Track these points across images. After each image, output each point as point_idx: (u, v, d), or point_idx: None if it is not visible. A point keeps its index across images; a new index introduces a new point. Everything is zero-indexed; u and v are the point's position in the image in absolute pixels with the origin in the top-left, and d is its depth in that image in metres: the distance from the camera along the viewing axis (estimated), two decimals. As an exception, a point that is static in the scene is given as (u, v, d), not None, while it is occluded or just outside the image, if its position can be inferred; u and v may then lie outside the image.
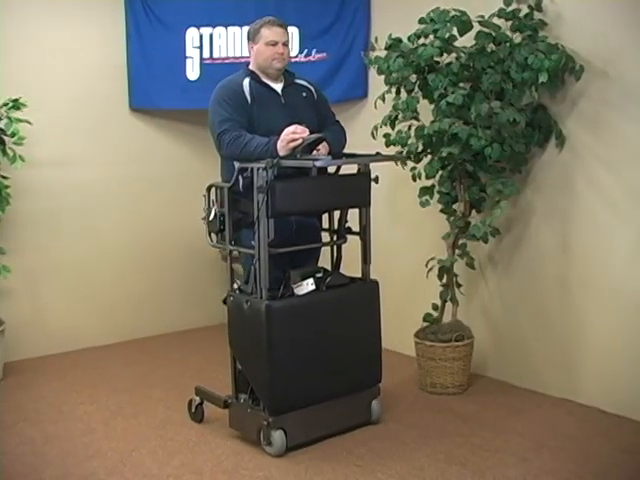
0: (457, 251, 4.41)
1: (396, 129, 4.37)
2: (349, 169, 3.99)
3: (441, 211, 4.47)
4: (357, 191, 3.86)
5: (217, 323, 5.99)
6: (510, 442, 3.76)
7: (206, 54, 5.36)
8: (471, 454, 3.64)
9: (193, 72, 5.39)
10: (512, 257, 4.53)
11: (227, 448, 3.77)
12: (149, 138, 5.63)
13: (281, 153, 3.58)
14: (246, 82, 3.83)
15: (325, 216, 4.07)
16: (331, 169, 3.96)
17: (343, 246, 4.03)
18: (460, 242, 4.40)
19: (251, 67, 3.92)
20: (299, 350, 3.63)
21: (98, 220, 5.47)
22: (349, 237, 4.01)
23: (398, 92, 4.35)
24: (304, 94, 3.96)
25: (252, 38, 3.91)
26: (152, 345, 5.51)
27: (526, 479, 3.40)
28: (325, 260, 4.03)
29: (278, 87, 3.90)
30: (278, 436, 3.61)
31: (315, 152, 3.69)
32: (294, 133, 3.58)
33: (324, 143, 3.74)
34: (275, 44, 3.83)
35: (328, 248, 4.04)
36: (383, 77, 4.31)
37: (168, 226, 5.76)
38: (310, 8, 5.26)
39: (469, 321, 4.52)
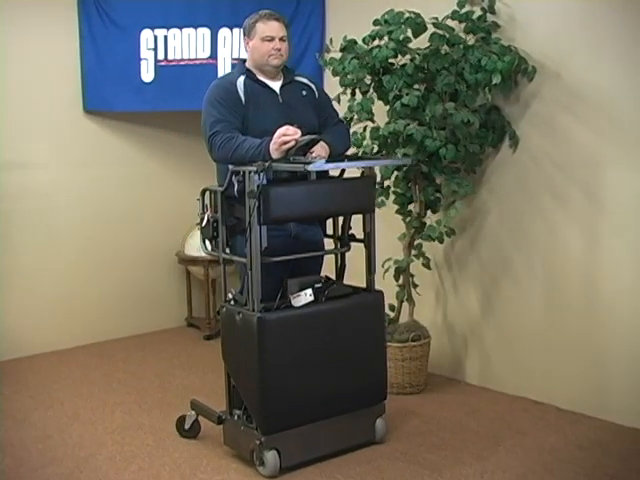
0: (413, 251, 4.43)
1: (351, 130, 4.38)
2: (354, 172, 3.78)
3: (397, 212, 4.49)
4: (359, 196, 3.62)
5: (175, 326, 5.98)
6: (467, 440, 3.80)
7: (161, 56, 5.31)
8: (429, 453, 3.66)
9: (148, 74, 5.33)
10: (467, 257, 4.57)
11: (185, 452, 3.74)
12: (104, 140, 5.57)
13: (274, 156, 3.36)
14: (240, 80, 3.61)
15: (329, 222, 3.86)
16: (334, 172, 3.72)
17: (347, 255, 3.81)
18: (416, 243, 4.43)
19: (247, 64, 3.70)
20: (294, 366, 3.43)
21: (53, 223, 5.40)
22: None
23: (353, 94, 4.36)
24: (304, 92, 3.73)
25: (247, 33, 3.68)
26: (109, 349, 5.45)
27: (483, 477, 3.43)
28: (329, 269, 3.82)
29: (276, 85, 3.67)
30: (271, 456, 3.40)
31: (309, 154, 3.48)
32: (285, 135, 3.35)
33: (323, 145, 3.55)
34: (271, 39, 3.60)
35: (332, 257, 3.82)
36: (338, 79, 4.31)
37: (124, 228, 5.70)
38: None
39: (425, 321, 4.55)
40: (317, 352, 3.50)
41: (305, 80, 3.79)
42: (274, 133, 3.39)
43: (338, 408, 3.58)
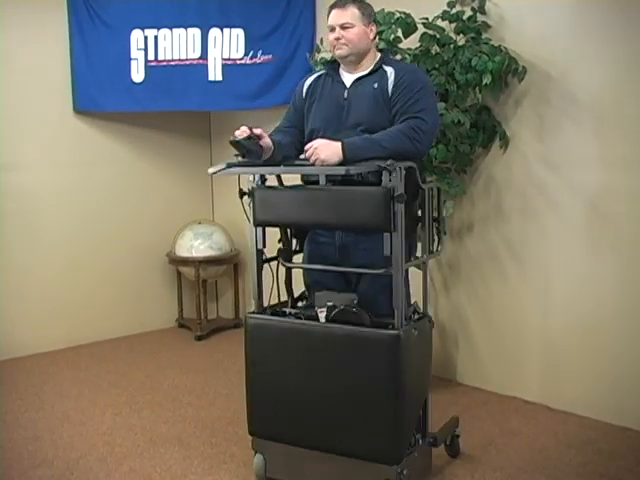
0: (404, 251, 4.43)
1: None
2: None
3: (388, 212, 4.48)
4: (361, 209, 3.02)
5: (166, 327, 5.97)
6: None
7: (151, 56, 5.30)
8: (420, 453, 3.66)
9: (138, 74, 5.32)
10: (458, 257, 4.57)
11: (175, 453, 3.73)
12: (94, 141, 5.56)
13: None
14: (314, 76, 3.41)
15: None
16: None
17: None
18: (407, 243, 4.42)
19: None
20: (282, 379, 3.24)
21: (42, 224, 5.38)
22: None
23: (344, 94, 4.35)
24: (375, 85, 3.22)
25: None
26: (99, 350, 5.44)
27: (474, 476, 3.43)
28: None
29: (350, 78, 3.29)
30: (257, 459, 3.37)
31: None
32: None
33: (326, 144, 3.03)
34: (332, 29, 3.25)
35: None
36: (329, 79, 4.31)
37: (115, 229, 5.70)
38: (255, 10, 5.25)
39: (417, 321, 4.55)
40: (310, 375, 3.20)
41: (389, 69, 3.25)
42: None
43: (336, 446, 3.18)
